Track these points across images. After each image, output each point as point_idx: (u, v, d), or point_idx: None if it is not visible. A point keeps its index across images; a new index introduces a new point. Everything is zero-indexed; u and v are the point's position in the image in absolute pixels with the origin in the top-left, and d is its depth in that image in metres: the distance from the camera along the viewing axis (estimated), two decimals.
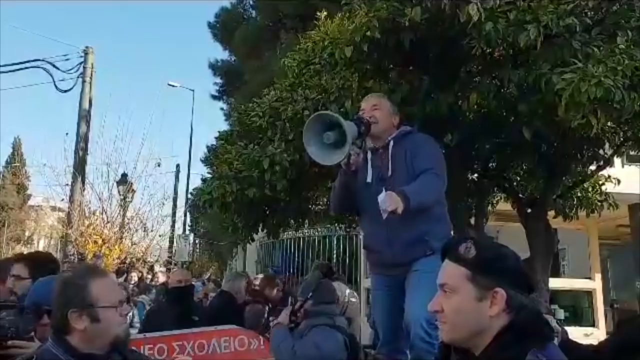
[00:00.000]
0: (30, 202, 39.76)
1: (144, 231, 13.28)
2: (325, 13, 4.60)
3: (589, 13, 3.29)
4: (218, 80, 17.37)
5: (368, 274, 6.56)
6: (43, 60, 11.57)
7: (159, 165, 13.64)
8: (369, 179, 2.89)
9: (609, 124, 3.92)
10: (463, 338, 1.24)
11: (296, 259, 11.55)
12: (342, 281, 5.77)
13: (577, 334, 6.73)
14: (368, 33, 3.48)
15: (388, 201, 2.48)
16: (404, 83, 4.05)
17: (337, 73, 4.20)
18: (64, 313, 1.74)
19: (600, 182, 5.84)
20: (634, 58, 2.88)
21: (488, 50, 3.61)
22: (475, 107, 3.85)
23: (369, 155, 2.94)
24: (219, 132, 5.66)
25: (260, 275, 7.26)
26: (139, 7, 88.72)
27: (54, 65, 11.55)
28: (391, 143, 2.91)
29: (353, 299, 5.16)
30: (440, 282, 1.29)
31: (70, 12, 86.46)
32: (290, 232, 10.55)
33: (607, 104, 2.76)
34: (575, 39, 3.17)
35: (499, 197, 6.22)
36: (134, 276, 9.84)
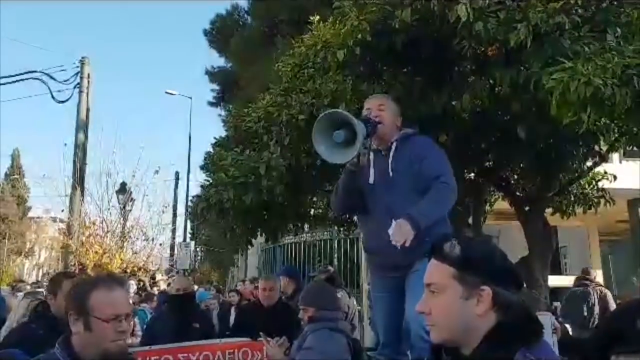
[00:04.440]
0: (30, 214, 39.78)
1: (145, 240, 13.29)
2: (317, 17, 4.61)
3: (578, 10, 3.30)
4: (215, 87, 17.45)
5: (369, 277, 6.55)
6: (40, 72, 11.61)
7: (157, 173, 13.63)
8: (371, 180, 2.88)
9: (602, 120, 3.93)
10: (452, 338, 1.23)
11: (297, 263, 11.53)
12: (344, 289, 5.74)
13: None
14: (359, 36, 3.50)
15: (397, 234, 2.48)
16: (398, 84, 4.07)
17: (331, 77, 4.22)
18: (67, 311, 1.80)
19: (597, 179, 5.85)
20: (623, 55, 2.88)
21: (480, 50, 3.63)
22: (469, 106, 3.86)
23: (372, 156, 2.94)
24: (214, 138, 5.68)
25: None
26: (137, 14, 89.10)
27: (50, 76, 11.58)
28: (394, 144, 2.90)
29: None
30: (427, 281, 1.28)
31: (67, 21, 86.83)
32: (290, 237, 10.55)
33: (597, 101, 2.77)
34: (565, 37, 3.18)
35: (497, 196, 6.24)
36: (133, 284, 9.83)
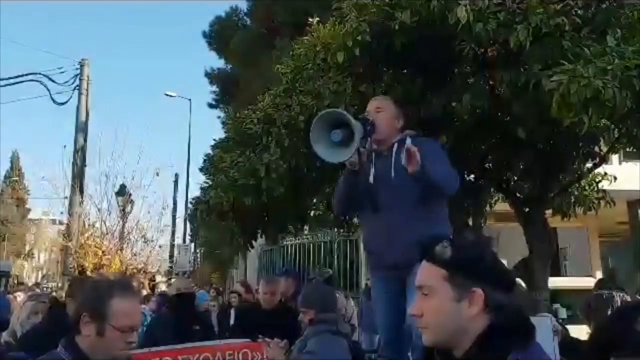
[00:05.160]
0: (30, 216, 39.79)
1: (144, 242, 13.28)
2: (317, 19, 4.61)
3: (578, 12, 3.30)
4: (214, 88, 17.44)
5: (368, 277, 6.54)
6: (39, 74, 11.59)
7: (157, 175, 13.62)
8: (371, 180, 2.88)
9: (602, 121, 3.93)
10: (444, 340, 1.22)
11: (297, 265, 11.53)
12: (340, 291, 5.75)
13: (580, 333, 6.71)
14: (359, 37, 3.49)
15: (412, 147, 2.58)
16: (397, 86, 4.06)
17: (331, 78, 4.21)
18: (79, 311, 1.78)
19: (597, 180, 5.84)
20: (624, 57, 2.88)
21: (480, 51, 3.63)
22: (469, 108, 3.85)
23: (372, 156, 2.94)
24: (214, 140, 5.67)
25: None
26: (136, 17, 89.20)
27: (50, 78, 11.57)
28: (395, 145, 2.91)
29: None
30: (418, 284, 1.27)
31: (66, 24, 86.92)
32: (290, 239, 10.55)
33: (598, 103, 2.76)
34: (565, 39, 3.18)
35: (497, 198, 6.22)
36: None
